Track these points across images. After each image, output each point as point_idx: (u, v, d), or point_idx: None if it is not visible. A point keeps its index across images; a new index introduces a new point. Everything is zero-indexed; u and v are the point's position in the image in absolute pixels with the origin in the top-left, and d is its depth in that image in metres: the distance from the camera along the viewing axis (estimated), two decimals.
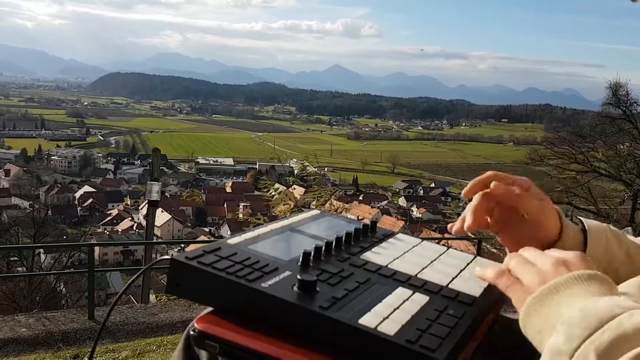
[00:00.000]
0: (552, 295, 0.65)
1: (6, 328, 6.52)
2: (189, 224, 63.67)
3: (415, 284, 0.79)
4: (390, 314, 0.68)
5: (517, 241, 0.88)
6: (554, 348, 0.59)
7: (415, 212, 68.69)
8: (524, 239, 0.87)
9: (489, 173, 0.84)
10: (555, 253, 0.72)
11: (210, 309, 0.73)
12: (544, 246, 0.82)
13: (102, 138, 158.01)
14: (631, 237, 0.96)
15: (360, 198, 68.95)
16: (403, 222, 44.58)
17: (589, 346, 0.56)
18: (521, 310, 0.67)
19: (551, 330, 0.62)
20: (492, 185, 0.83)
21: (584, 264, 0.68)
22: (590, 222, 0.90)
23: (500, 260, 0.80)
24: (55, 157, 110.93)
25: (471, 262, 0.91)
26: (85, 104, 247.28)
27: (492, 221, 0.90)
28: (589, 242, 0.86)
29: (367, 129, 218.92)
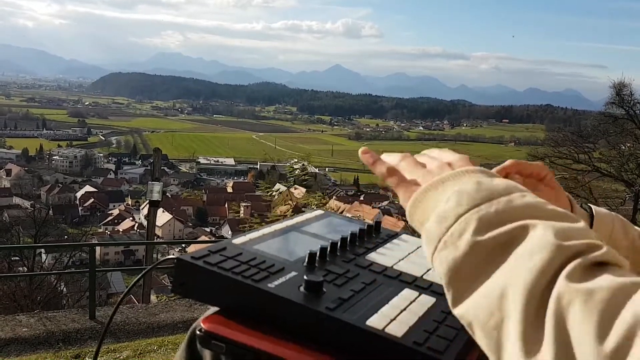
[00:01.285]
0: (437, 187, 0.64)
1: (7, 328, 6.51)
2: (190, 224, 63.68)
3: (421, 285, 0.78)
4: (397, 316, 0.68)
5: None
6: (441, 213, 0.59)
7: None
8: None
9: (509, 162, 0.81)
10: (444, 155, 0.73)
11: (215, 309, 0.73)
12: None
13: (103, 138, 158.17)
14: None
15: (362, 198, 68.86)
16: (404, 223, 44.47)
17: (473, 214, 0.56)
18: (407, 205, 0.66)
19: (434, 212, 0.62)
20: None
21: (469, 164, 0.68)
22: (598, 209, 0.89)
23: None
24: (57, 157, 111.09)
25: None
26: (87, 103, 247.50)
27: None
28: (594, 228, 0.85)
29: (368, 129, 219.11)
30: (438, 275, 0.58)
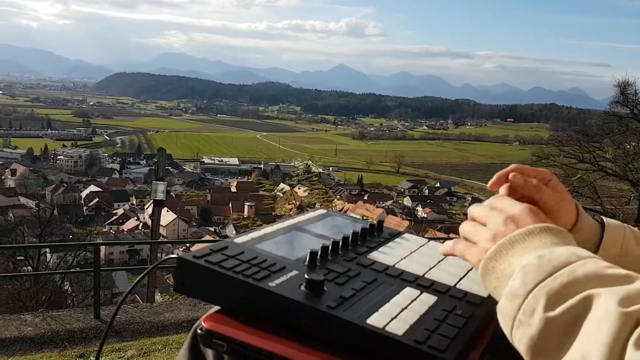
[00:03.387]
0: (507, 251, 0.67)
1: (12, 327, 6.54)
2: (194, 224, 63.71)
3: (423, 284, 0.79)
4: (398, 314, 0.68)
5: None
6: (510, 291, 0.62)
7: (421, 212, 68.48)
8: None
9: (512, 166, 0.83)
10: (504, 206, 0.73)
11: (216, 307, 0.73)
12: None
13: (107, 138, 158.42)
14: None
15: (365, 198, 68.83)
16: (408, 222, 44.43)
17: (540, 290, 0.59)
18: (479, 270, 0.69)
19: (506, 281, 0.64)
20: (510, 177, 0.81)
21: (533, 217, 0.70)
22: (609, 219, 0.89)
23: None
24: (62, 157, 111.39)
25: None
26: (91, 103, 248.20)
27: None
28: (605, 237, 0.85)
29: (372, 129, 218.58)
30: (520, 353, 0.60)
